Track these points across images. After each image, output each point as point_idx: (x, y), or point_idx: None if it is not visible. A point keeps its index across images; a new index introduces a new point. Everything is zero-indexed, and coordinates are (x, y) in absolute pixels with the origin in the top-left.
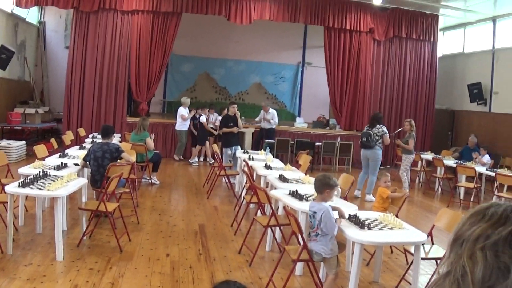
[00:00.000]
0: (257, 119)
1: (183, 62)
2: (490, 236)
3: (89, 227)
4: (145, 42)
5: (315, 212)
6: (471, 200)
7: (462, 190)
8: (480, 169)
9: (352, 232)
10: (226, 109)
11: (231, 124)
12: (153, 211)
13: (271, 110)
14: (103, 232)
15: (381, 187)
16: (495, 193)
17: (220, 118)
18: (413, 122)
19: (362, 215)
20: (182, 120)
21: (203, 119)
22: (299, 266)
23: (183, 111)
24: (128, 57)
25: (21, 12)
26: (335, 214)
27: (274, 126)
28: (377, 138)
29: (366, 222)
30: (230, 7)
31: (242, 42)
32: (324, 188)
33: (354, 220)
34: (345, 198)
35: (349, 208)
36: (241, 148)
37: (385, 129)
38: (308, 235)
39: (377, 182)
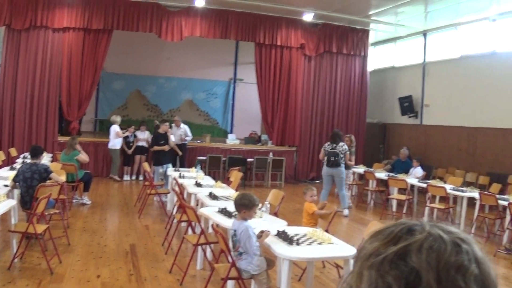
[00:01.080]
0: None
1: (114, 79)
2: (380, 254)
3: (20, 249)
4: (76, 60)
5: (235, 231)
6: (404, 212)
7: (394, 202)
8: (412, 180)
9: (280, 248)
10: (156, 126)
11: (162, 142)
12: (84, 232)
13: (182, 125)
14: (34, 254)
15: (307, 202)
16: (428, 204)
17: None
18: (353, 137)
19: (291, 230)
20: (118, 137)
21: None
22: (230, 284)
23: (117, 128)
24: (59, 75)
25: None
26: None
27: (186, 142)
28: (341, 155)
29: (295, 238)
30: (161, 24)
31: (174, 59)
32: (240, 208)
33: (283, 236)
34: (275, 214)
35: (278, 224)
36: (173, 166)
37: (346, 146)
38: (236, 254)
39: (304, 196)
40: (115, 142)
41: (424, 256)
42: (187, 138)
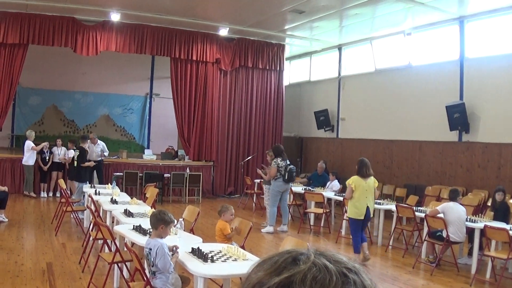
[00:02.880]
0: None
1: (30, 94)
2: (263, 285)
3: None
4: None
5: (150, 249)
6: (321, 225)
7: (312, 216)
8: (329, 194)
9: (194, 266)
10: (84, 142)
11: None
12: (0, 250)
13: (99, 141)
14: None
15: (223, 221)
16: (345, 217)
17: (70, 152)
18: (272, 152)
19: (206, 247)
20: (32, 152)
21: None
22: None
23: (31, 144)
24: None
25: None
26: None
27: (103, 158)
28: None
29: (210, 255)
30: (76, 39)
31: (90, 74)
32: (159, 223)
33: (197, 253)
34: (191, 230)
35: (193, 241)
36: (89, 183)
37: None
38: (150, 272)
39: (221, 215)
40: (28, 157)
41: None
42: (105, 153)
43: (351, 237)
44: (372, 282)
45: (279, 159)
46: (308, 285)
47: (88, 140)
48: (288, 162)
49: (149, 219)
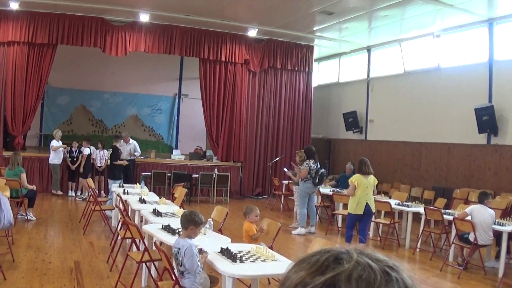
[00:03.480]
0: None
1: (59, 94)
2: (306, 285)
3: None
4: (20, 74)
5: (179, 249)
6: None
7: (340, 218)
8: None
9: (223, 266)
10: (117, 141)
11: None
12: (28, 248)
13: (131, 141)
14: None
15: (248, 222)
16: (373, 219)
17: (97, 152)
18: (301, 153)
19: (234, 248)
20: (58, 151)
21: (87, 151)
22: None
23: (55, 143)
24: (3, 89)
25: None
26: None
27: (135, 158)
28: None
29: (238, 255)
30: (106, 39)
31: (119, 74)
32: (189, 224)
33: (226, 253)
34: (220, 231)
35: (222, 241)
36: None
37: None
38: (178, 272)
39: (246, 216)
40: (54, 157)
41: (354, 287)
42: (135, 153)
43: (359, 235)
44: (412, 280)
45: (311, 161)
46: (354, 284)
47: (121, 140)
48: (319, 165)
49: (178, 219)
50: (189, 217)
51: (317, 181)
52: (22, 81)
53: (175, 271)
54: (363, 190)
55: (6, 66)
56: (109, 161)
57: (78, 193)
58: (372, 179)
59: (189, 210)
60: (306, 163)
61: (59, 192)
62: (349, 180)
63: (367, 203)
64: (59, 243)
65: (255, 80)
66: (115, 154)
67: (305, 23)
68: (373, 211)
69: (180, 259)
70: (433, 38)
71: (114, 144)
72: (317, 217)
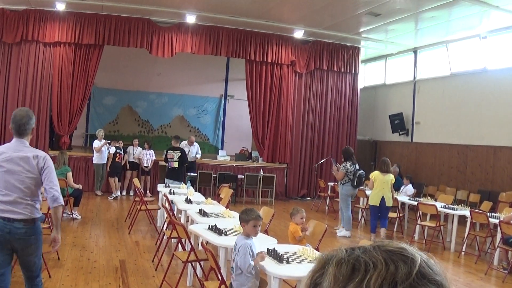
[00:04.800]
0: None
1: (105, 94)
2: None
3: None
4: (67, 74)
5: (236, 244)
6: (394, 229)
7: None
8: (403, 198)
9: (270, 266)
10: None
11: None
12: (74, 247)
13: (195, 143)
14: None
15: (294, 224)
16: (418, 222)
17: (144, 152)
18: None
19: (281, 249)
20: (102, 151)
21: (112, 150)
22: None
23: (97, 143)
24: (50, 89)
25: None
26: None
27: (195, 160)
28: None
29: (285, 256)
30: (152, 40)
31: (165, 74)
32: (241, 222)
33: (273, 254)
34: (266, 232)
35: (268, 242)
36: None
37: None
38: (231, 268)
39: (292, 217)
40: (97, 156)
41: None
42: (197, 155)
43: (380, 225)
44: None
45: (348, 163)
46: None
47: (183, 141)
48: (358, 167)
49: (225, 219)
50: (241, 215)
51: (355, 183)
52: (69, 82)
53: (231, 267)
54: (379, 185)
55: (52, 66)
56: (176, 163)
57: (124, 193)
58: (389, 177)
59: (245, 208)
60: (343, 165)
61: (98, 193)
62: (370, 176)
63: (382, 197)
64: (104, 242)
65: (301, 81)
66: (183, 156)
67: (352, 25)
68: (388, 205)
69: (235, 256)
70: (480, 39)
71: (178, 146)
72: (362, 219)
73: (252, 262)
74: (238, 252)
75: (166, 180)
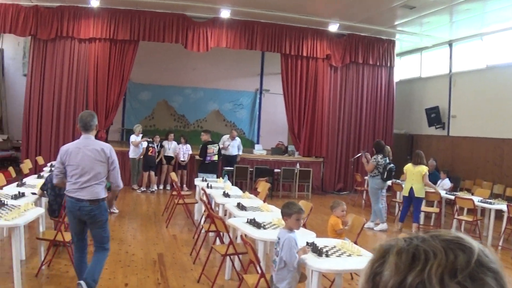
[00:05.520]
0: (220, 146)
1: (141, 90)
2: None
3: (48, 256)
4: (102, 70)
5: (279, 239)
6: (431, 224)
7: (422, 215)
8: (440, 192)
9: (310, 260)
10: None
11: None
12: (111, 240)
13: (237, 138)
14: (62, 262)
15: (335, 216)
16: (456, 216)
17: (180, 146)
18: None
19: (320, 242)
20: (134, 146)
21: (144, 144)
22: None
23: (133, 138)
24: (86, 85)
25: None
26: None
27: (237, 154)
28: None
29: (324, 250)
30: (187, 35)
31: (200, 69)
32: (283, 215)
33: (312, 247)
34: (304, 225)
35: (307, 236)
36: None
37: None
38: (273, 262)
39: (332, 210)
40: (132, 151)
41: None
42: (239, 151)
43: (413, 218)
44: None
45: (379, 156)
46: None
47: (225, 136)
48: (388, 160)
49: (263, 213)
50: (282, 209)
51: (385, 176)
52: (104, 77)
53: (272, 260)
54: (409, 176)
55: (88, 62)
56: (216, 156)
57: (161, 187)
58: (419, 169)
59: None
60: (374, 158)
61: (135, 187)
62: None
63: (411, 187)
64: (142, 235)
65: (337, 75)
66: (220, 150)
67: (386, 18)
68: (417, 195)
69: (278, 249)
70: None
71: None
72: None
73: (297, 256)
74: (282, 246)
75: (200, 174)
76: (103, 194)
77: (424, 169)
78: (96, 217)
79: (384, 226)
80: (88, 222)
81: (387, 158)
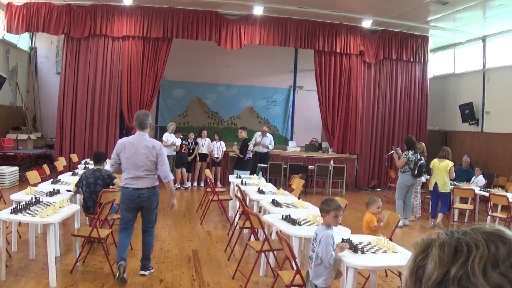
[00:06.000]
0: (252, 142)
1: (174, 87)
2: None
3: (82, 253)
4: (136, 68)
5: (317, 235)
6: (465, 221)
7: (456, 212)
8: (474, 189)
9: (346, 257)
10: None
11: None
12: None
13: (268, 134)
14: (96, 258)
15: (370, 213)
16: (489, 213)
17: (214, 143)
18: (420, 144)
19: (356, 239)
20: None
21: (178, 141)
22: None
23: (166, 136)
24: (120, 83)
25: (12, 38)
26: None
27: (269, 151)
28: None
29: (360, 246)
30: (220, 32)
31: (233, 66)
32: (322, 212)
33: (348, 244)
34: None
35: (342, 232)
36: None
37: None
38: (310, 258)
39: (368, 207)
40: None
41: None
42: (269, 146)
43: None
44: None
45: (410, 153)
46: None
47: (256, 132)
48: (419, 157)
49: (298, 209)
50: (320, 205)
51: (416, 172)
52: (138, 75)
53: (309, 256)
54: (435, 171)
55: (121, 60)
56: (239, 151)
57: (195, 184)
58: (444, 164)
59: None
60: (405, 154)
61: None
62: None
63: (435, 183)
64: (176, 232)
65: (371, 71)
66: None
67: (420, 13)
68: (441, 190)
69: (315, 245)
70: None
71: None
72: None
73: (333, 253)
74: (319, 242)
75: (236, 170)
76: (156, 182)
77: (449, 164)
78: (152, 202)
79: (406, 222)
80: (144, 207)
81: (418, 154)
